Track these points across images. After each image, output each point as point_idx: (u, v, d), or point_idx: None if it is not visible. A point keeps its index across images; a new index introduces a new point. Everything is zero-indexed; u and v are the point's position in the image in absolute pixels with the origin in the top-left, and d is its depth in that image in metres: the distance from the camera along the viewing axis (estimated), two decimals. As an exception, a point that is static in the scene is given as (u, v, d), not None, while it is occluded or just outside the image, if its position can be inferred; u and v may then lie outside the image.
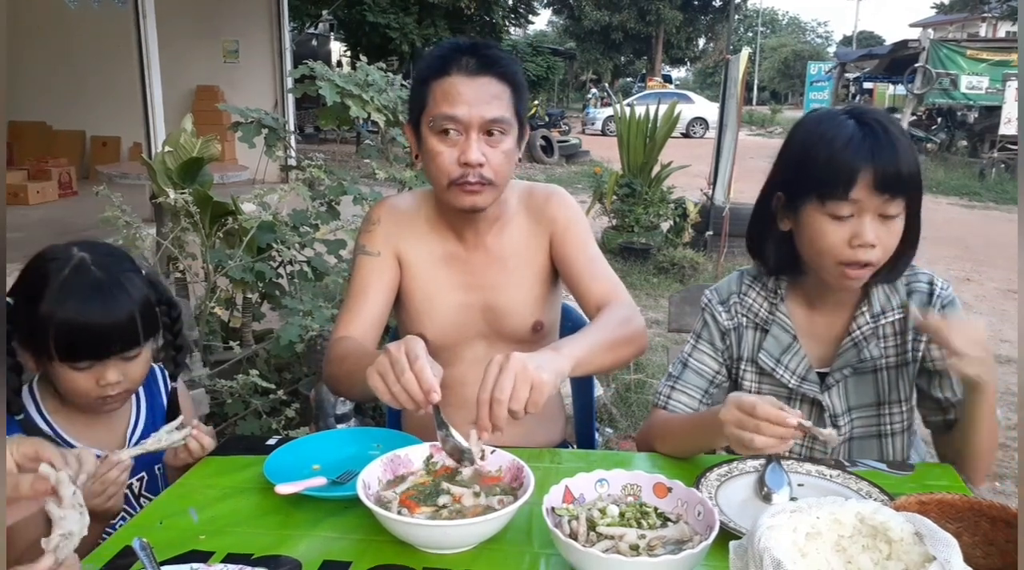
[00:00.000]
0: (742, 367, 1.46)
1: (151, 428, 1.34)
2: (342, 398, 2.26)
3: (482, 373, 1.11)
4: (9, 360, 1.24)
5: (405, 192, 1.74)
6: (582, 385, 1.92)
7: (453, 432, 1.13)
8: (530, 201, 1.59)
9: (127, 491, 1.36)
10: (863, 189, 1.22)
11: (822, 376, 1.40)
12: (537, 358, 1.14)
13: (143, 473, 1.39)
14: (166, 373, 1.48)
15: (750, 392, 1.44)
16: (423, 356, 1.10)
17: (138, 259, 1.37)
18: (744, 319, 1.45)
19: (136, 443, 1.37)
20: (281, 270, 2.82)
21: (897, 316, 1.38)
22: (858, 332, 1.37)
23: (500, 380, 1.09)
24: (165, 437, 1.27)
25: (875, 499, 1.14)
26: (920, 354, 1.38)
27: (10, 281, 1.27)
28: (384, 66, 3.07)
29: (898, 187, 1.22)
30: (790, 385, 1.40)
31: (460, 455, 1.13)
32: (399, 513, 1.05)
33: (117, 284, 1.24)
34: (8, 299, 1.25)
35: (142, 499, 1.38)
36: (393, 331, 1.84)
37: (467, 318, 1.55)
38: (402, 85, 3.01)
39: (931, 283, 1.38)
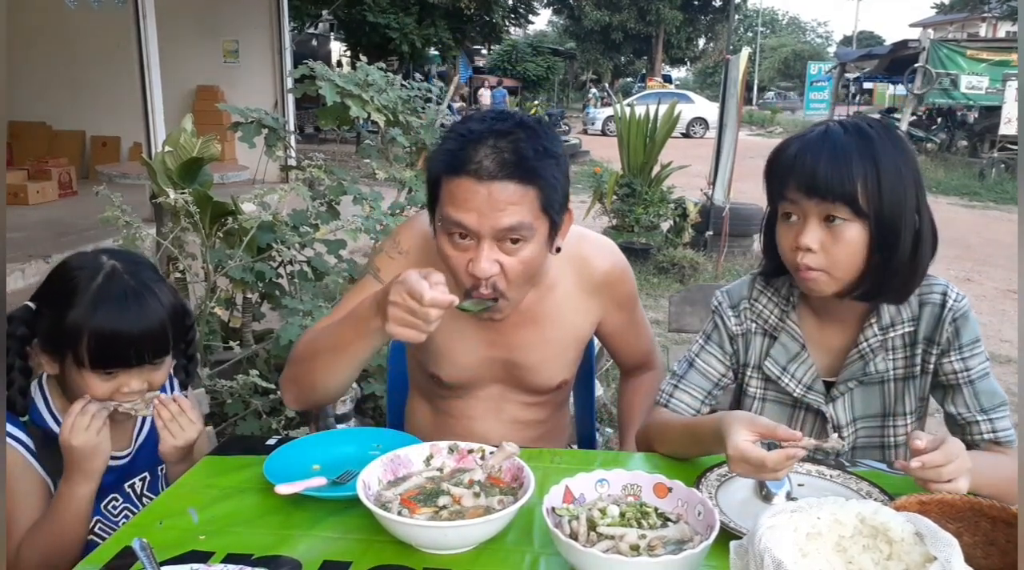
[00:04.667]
0: (748, 373, 1.44)
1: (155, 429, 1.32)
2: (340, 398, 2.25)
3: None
4: (19, 363, 1.24)
5: None
6: (582, 385, 1.92)
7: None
8: (584, 269, 1.47)
9: (129, 491, 1.36)
10: (793, 189, 1.24)
11: (827, 385, 1.38)
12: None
13: (146, 473, 1.39)
14: (174, 378, 1.44)
15: (755, 398, 1.43)
16: (427, 288, 1.10)
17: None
18: (753, 325, 1.43)
19: (137, 435, 1.37)
20: (281, 270, 2.83)
21: (907, 329, 1.33)
22: (865, 344, 1.33)
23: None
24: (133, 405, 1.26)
25: (875, 499, 1.14)
26: (932, 367, 1.34)
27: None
28: (384, 66, 3.08)
29: (824, 191, 1.20)
30: (795, 394, 1.39)
31: None
32: (399, 514, 1.05)
33: (150, 292, 1.24)
34: (30, 304, 1.26)
35: (144, 499, 1.38)
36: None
37: (487, 368, 1.49)
38: (402, 85, 3.02)
39: (944, 294, 1.32)
